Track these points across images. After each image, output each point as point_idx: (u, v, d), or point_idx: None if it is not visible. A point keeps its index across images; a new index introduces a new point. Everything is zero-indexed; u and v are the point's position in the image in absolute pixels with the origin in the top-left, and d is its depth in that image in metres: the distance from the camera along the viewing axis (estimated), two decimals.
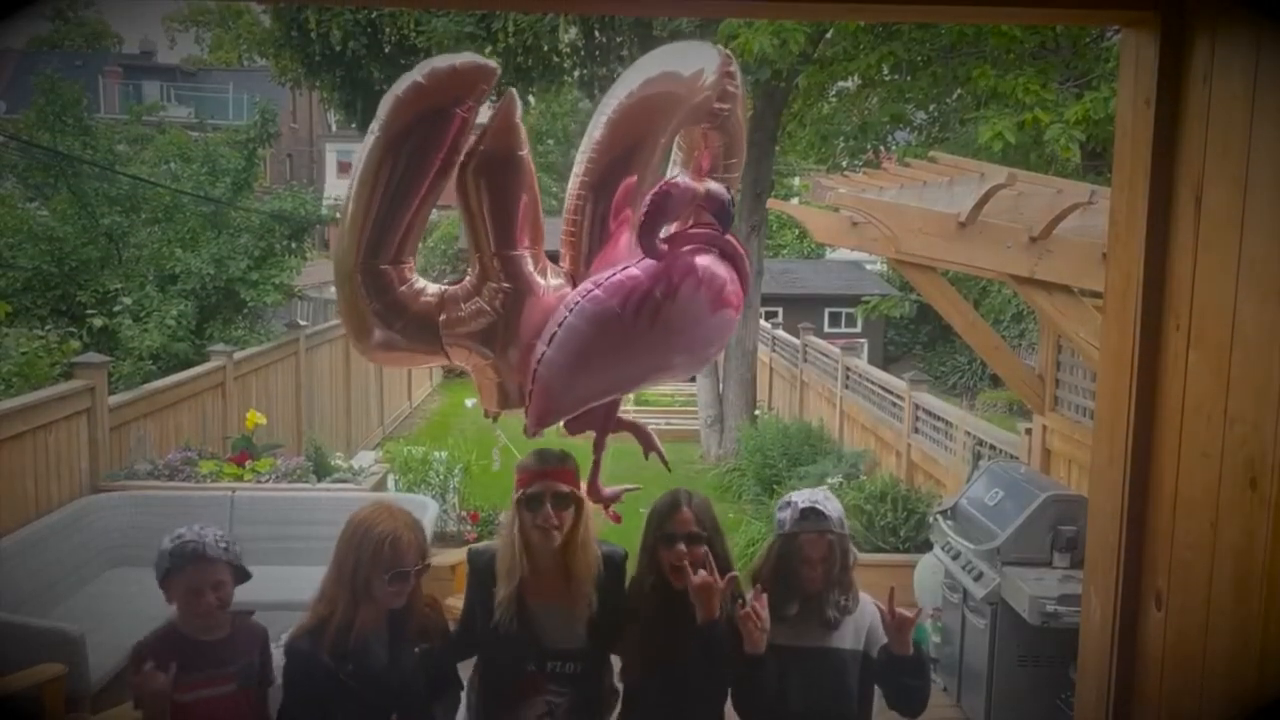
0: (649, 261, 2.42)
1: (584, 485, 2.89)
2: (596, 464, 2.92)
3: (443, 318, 2.53)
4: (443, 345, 2.56)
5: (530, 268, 2.55)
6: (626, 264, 2.45)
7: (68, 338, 8.54)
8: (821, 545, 2.84)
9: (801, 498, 2.91)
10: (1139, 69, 1.94)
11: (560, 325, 2.41)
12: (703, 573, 2.69)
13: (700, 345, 2.61)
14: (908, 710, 2.91)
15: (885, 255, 7.01)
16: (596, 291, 2.41)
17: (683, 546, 2.76)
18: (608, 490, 2.94)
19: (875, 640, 2.89)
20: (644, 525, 2.90)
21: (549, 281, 2.60)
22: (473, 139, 2.45)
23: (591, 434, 2.89)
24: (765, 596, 2.77)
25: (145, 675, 2.62)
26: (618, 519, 3.00)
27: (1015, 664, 4.84)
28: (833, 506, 2.89)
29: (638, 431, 3.02)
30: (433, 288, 2.58)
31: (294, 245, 12.02)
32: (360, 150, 2.44)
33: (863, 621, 2.92)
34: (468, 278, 2.60)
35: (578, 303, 2.41)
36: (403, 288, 2.50)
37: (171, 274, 10.65)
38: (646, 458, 3.03)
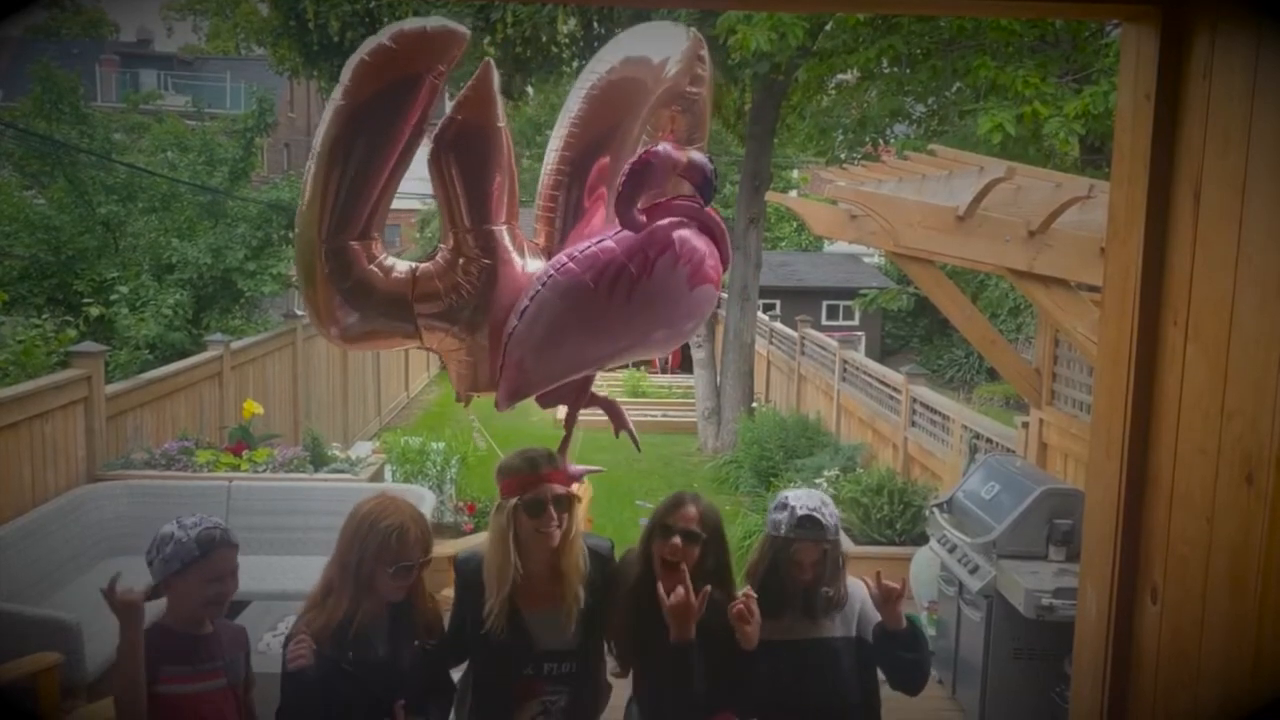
0: (625, 234, 2.36)
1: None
2: (566, 440, 2.87)
3: (415, 295, 2.42)
4: (416, 326, 2.45)
5: (507, 242, 2.46)
6: (602, 236, 2.39)
7: (64, 327, 8.53)
8: (815, 552, 2.82)
9: (800, 503, 2.83)
10: (1139, 64, 1.94)
11: (531, 299, 2.35)
12: (679, 591, 2.63)
13: (679, 321, 2.52)
14: (909, 687, 2.91)
15: (883, 248, 7.01)
16: (569, 264, 2.35)
17: (678, 540, 2.74)
18: (573, 468, 2.85)
19: (868, 621, 2.89)
20: (649, 521, 2.89)
21: (526, 260, 2.51)
22: (450, 110, 2.36)
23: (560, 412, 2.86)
24: (754, 592, 2.75)
25: (121, 592, 2.54)
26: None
27: (1010, 657, 4.85)
28: (830, 513, 2.84)
29: (610, 408, 2.94)
30: (402, 265, 2.46)
31: (291, 235, 11.99)
32: (322, 119, 2.31)
33: (853, 607, 2.91)
34: (440, 254, 2.49)
35: (550, 275, 2.35)
36: (370, 265, 2.38)
37: (168, 263, 10.64)
38: (617, 435, 2.95)
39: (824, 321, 22.15)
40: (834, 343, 11.97)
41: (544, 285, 2.35)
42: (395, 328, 2.47)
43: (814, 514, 2.80)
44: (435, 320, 2.47)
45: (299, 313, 11.48)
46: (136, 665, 2.58)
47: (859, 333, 21.58)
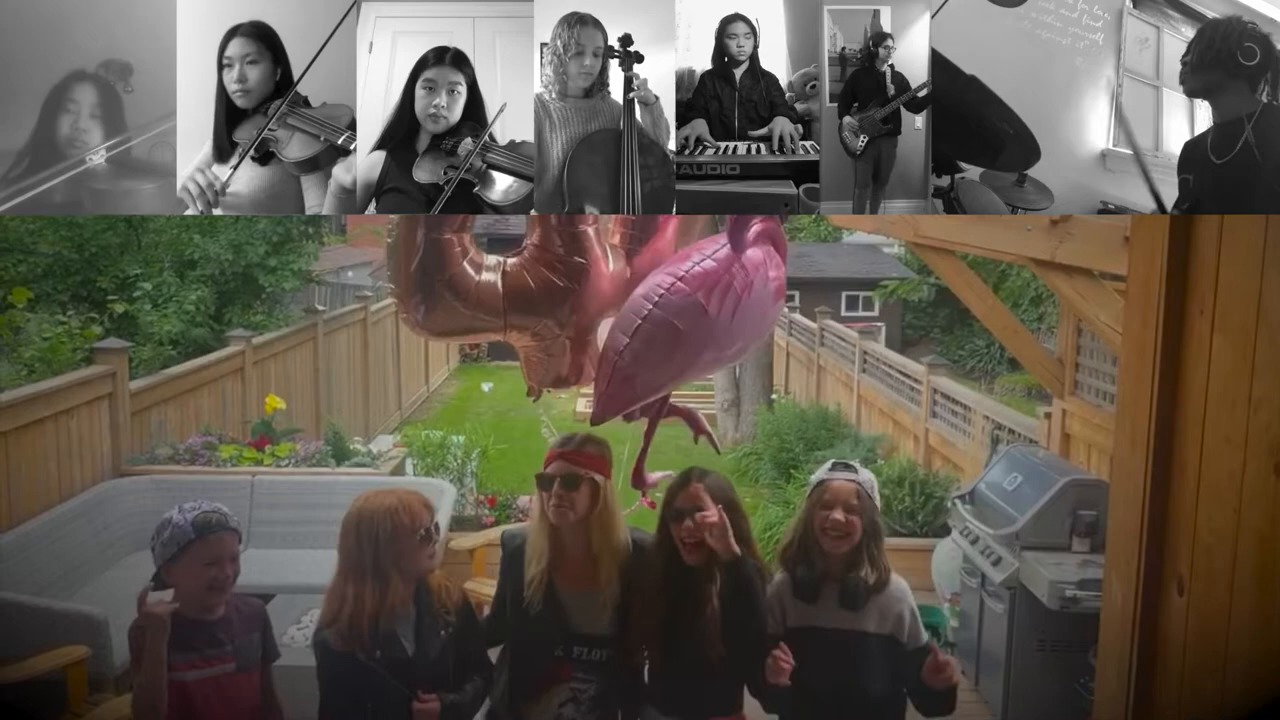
0: (722, 253, 2.48)
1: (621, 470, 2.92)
2: (645, 450, 2.95)
3: (505, 291, 2.50)
4: (505, 321, 2.52)
5: (595, 243, 2.56)
6: (702, 255, 2.49)
7: (89, 323, 8.58)
8: (848, 491, 2.82)
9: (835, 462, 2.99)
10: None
11: (643, 317, 2.43)
12: (699, 514, 2.66)
13: (763, 331, 2.73)
14: (932, 713, 2.92)
15: (903, 238, 6.98)
16: (679, 284, 2.43)
17: (691, 522, 2.72)
18: (651, 476, 2.95)
19: (904, 627, 2.86)
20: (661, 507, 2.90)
21: (610, 260, 2.60)
22: None
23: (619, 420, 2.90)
24: (787, 574, 2.83)
25: (150, 605, 2.57)
26: (653, 505, 3.01)
27: (1033, 648, 4.83)
28: (866, 475, 2.92)
29: (689, 416, 3.06)
30: (491, 260, 2.54)
31: (311, 231, 12.04)
32: None
33: (891, 601, 2.87)
34: (526, 250, 2.55)
35: (661, 294, 2.43)
36: (465, 261, 2.46)
37: (190, 259, 10.68)
38: (696, 441, 3.08)
39: (843, 312, 22.11)
40: (854, 333, 11.92)
41: (655, 304, 2.43)
42: (484, 322, 2.54)
43: (846, 461, 2.95)
44: (522, 316, 2.54)
45: (320, 308, 11.53)
46: (158, 671, 2.60)
47: (879, 323, 21.50)
